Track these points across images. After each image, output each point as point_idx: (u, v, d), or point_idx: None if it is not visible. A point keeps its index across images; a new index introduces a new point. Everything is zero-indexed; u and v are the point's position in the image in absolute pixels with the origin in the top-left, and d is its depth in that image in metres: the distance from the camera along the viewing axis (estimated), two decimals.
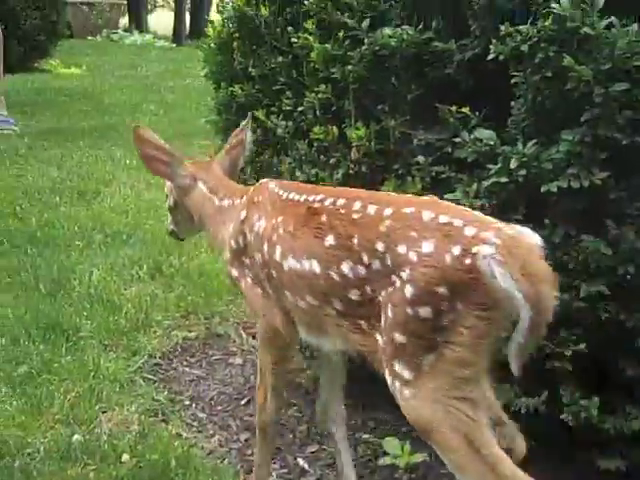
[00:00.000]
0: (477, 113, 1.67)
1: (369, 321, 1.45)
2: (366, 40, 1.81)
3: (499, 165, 1.60)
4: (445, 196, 1.71)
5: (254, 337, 2.85)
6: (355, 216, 1.45)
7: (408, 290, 1.33)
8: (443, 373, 1.33)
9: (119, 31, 17.62)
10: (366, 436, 2.18)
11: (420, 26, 1.74)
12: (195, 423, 2.31)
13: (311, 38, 1.92)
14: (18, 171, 4.89)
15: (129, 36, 16.96)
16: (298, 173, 2.00)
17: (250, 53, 2.15)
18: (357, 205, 1.47)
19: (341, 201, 1.51)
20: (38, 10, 9.80)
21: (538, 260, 1.28)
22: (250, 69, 2.14)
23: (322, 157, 1.98)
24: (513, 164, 1.57)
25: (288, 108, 2.05)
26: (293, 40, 1.99)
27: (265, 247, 1.64)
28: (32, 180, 4.68)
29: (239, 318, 2.97)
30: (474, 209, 1.64)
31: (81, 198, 4.37)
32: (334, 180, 1.92)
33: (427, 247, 1.33)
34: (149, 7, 24.82)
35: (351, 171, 1.91)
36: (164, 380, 2.55)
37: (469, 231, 1.32)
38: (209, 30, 2.26)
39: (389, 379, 1.41)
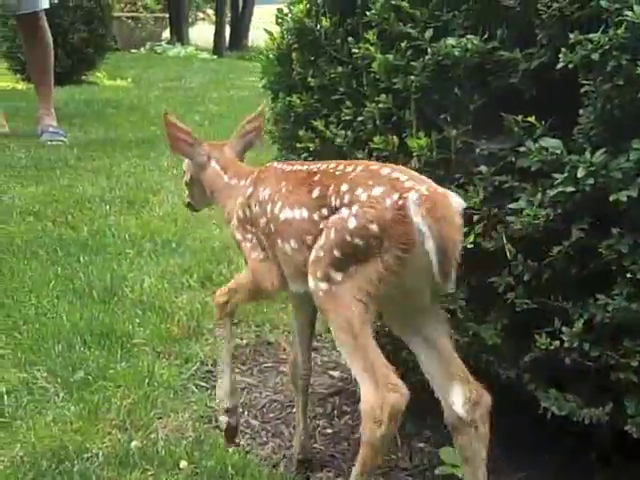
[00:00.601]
0: (543, 122, 1.66)
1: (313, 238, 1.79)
2: (429, 50, 1.81)
3: (565, 174, 1.58)
4: (509, 206, 1.71)
5: None
6: (337, 172, 1.78)
7: (351, 222, 1.66)
8: (354, 285, 1.67)
9: (162, 44, 17.87)
10: (421, 445, 2.17)
11: (485, 35, 1.73)
12: (248, 430, 2.32)
13: (372, 49, 1.93)
14: (68, 181, 4.97)
15: (172, 48, 17.21)
16: None
17: (309, 64, 2.16)
18: (341, 166, 1.79)
19: (333, 164, 1.83)
20: (86, 24, 10.01)
21: (453, 212, 1.59)
22: (309, 79, 2.15)
23: None
24: (580, 173, 1.55)
25: (347, 118, 2.05)
26: (354, 51, 1.99)
27: (269, 207, 1.93)
28: (82, 190, 4.75)
29: (289, 326, 2.97)
30: (538, 219, 1.64)
31: (130, 207, 4.43)
32: None
33: (376, 192, 1.65)
34: (190, 20, 25.15)
35: None
36: (216, 387, 2.57)
37: (408, 183, 1.64)
38: (267, 41, 2.28)
39: (311, 278, 1.74)
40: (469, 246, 1.75)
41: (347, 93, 2.06)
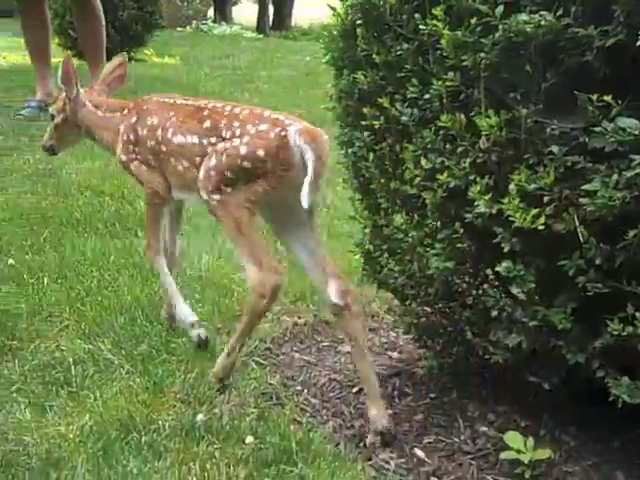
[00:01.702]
0: (619, 102, 1.63)
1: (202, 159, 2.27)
2: (500, 27, 1.78)
3: None
4: (582, 187, 1.68)
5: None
6: (225, 112, 2.28)
7: (243, 149, 2.16)
8: (241, 196, 2.18)
9: (208, 22, 17.89)
10: (485, 429, 2.17)
11: (559, 12, 1.69)
12: (309, 408, 2.34)
13: (440, 25, 1.90)
14: None
15: (218, 27, 17.21)
16: (423, 161, 1.99)
17: (374, 40, 2.14)
18: (228, 107, 2.31)
19: (219, 104, 2.35)
20: (135, 1, 10.06)
21: (324, 140, 2.14)
22: (374, 56, 2.12)
23: (448, 145, 1.96)
24: None
25: (413, 96, 2.03)
26: (420, 27, 1.96)
27: (159, 132, 2.42)
28: None
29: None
30: (614, 201, 1.61)
31: None
32: (461, 169, 1.91)
33: (262, 127, 2.17)
34: None
35: (479, 160, 1.89)
36: (276, 365, 2.60)
37: (287, 121, 2.18)
38: (332, 18, 2.26)
39: (203, 192, 2.24)
40: (540, 228, 1.73)
41: (413, 70, 2.03)
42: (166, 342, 2.59)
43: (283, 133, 2.13)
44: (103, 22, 6.56)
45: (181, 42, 12.77)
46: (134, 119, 2.54)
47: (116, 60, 2.89)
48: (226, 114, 2.27)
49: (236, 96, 7.44)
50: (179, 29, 16.64)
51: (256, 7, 23.29)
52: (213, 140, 2.24)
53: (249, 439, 2.07)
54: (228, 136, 2.21)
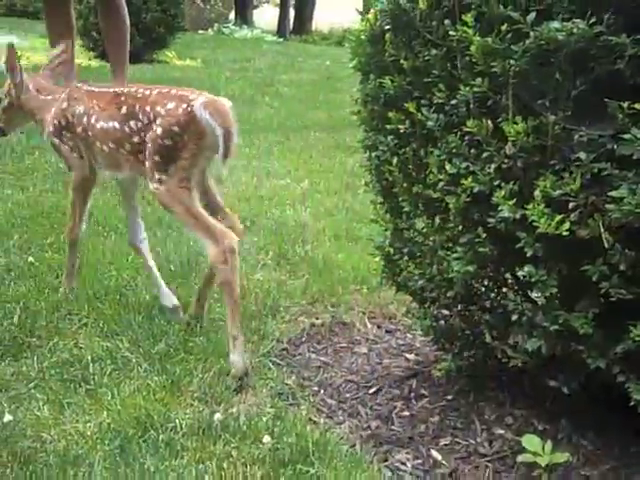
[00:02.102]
0: None
1: (143, 155, 2.47)
2: (531, 34, 1.77)
3: None
4: (609, 193, 1.67)
5: (379, 327, 2.88)
6: (138, 95, 2.50)
7: (159, 130, 2.40)
8: (177, 175, 2.41)
9: (229, 25, 17.98)
10: (502, 432, 2.16)
11: (592, 20, 1.69)
12: (325, 409, 2.34)
13: (470, 31, 1.90)
14: None
15: (239, 30, 17.30)
16: (448, 166, 1.99)
17: (403, 45, 2.14)
18: (141, 90, 2.52)
19: (133, 88, 2.56)
20: (158, 4, 10.14)
21: (227, 109, 2.37)
22: (402, 61, 2.13)
23: (474, 151, 1.96)
24: None
25: (440, 101, 2.03)
26: (450, 33, 1.96)
27: (85, 119, 2.68)
28: None
29: (364, 307, 2.99)
30: None
31: None
32: (486, 174, 1.91)
33: (170, 105, 2.40)
34: (255, 2, 25.25)
35: (504, 165, 1.89)
36: (292, 365, 2.60)
37: (192, 96, 2.39)
38: (361, 23, 2.27)
39: (150, 183, 2.47)
40: (564, 233, 1.73)
41: (440, 76, 2.03)
42: (184, 341, 2.59)
43: (189, 108, 2.35)
44: (127, 22, 6.58)
45: (203, 45, 12.85)
46: (65, 105, 2.77)
47: (59, 47, 3.12)
48: (139, 97, 2.49)
49: (256, 99, 7.49)
50: (201, 32, 16.75)
51: (277, 11, 23.37)
52: (132, 124, 2.49)
53: (266, 439, 2.07)
54: (146, 121, 2.44)
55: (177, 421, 2.15)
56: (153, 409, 2.20)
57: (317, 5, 24.03)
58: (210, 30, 17.05)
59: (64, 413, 2.21)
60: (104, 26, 6.87)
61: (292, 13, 23.88)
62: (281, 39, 17.70)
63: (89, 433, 2.12)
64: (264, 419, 2.19)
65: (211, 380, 2.37)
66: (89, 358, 2.49)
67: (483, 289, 2.26)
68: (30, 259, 3.28)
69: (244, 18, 20.43)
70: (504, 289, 2.21)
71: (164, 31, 10.19)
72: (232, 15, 21.37)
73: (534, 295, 2.00)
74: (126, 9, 6.51)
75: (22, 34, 11.50)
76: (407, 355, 2.69)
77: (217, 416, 2.17)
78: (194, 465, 1.95)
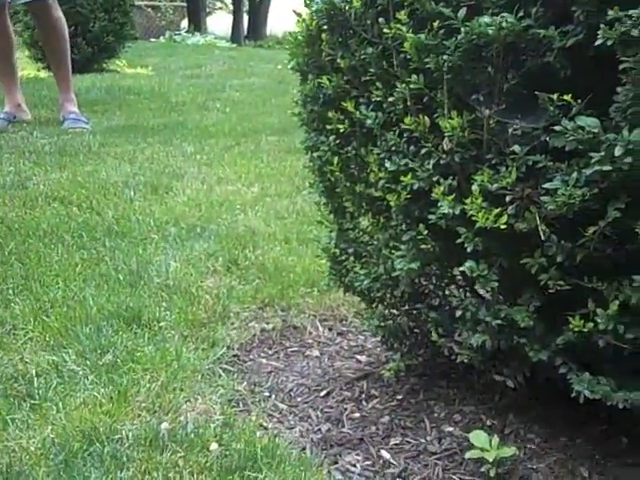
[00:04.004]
0: (578, 101, 1.63)
1: None
2: (462, 29, 1.78)
3: (602, 153, 1.56)
4: (543, 185, 1.68)
5: (330, 329, 2.87)
6: None
7: None
8: None
9: (181, 32, 17.88)
10: (451, 429, 2.15)
11: (520, 13, 1.70)
12: (276, 414, 2.31)
13: (404, 29, 1.90)
14: (92, 167, 4.99)
15: (191, 37, 17.20)
16: (387, 164, 1.98)
17: (339, 45, 2.13)
18: None
19: None
20: (106, 12, 10.04)
21: None
22: (338, 61, 2.12)
23: (412, 148, 1.96)
24: (618, 151, 1.52)
25: (378, 99, 2.03)
26: (385, 31, 1.96)
27: None
28: (106, 175, 4.77)
29: (315, 310, 2.97)
30: (573, 199, 1.62)
31: (154, 192, 4.44)
32: (425, 171, 1.91)
33: None
34: (208, 10, 25.15)
35: (442, 161, 1.89)
36: (243, 371, 2.57)
37: None
38: (296, 23, 2.26)
39: None
40: (502, 227, 1.73)
41: (377, 74, 2.03)
42: (132, 351, 2.55)
43: None
44: (66, 35, 6.50)
45: (154, 53, 12.75)
46: None
47: None
48: None
49: (207, 105, 7.44)
50: (153, 40, 16.61)
51: (231, 17, 23.31)
52: None
53: (213, 446, 2.03)
54: None
55: (123, 432, 2.10)
56: (99, 421, 2.15)
57: (271, 10, 24.04)
58: (162, 38, 16.90)
59: (7, 429, 2.15)
60: (43, 40, 6.82)
61: (246, 19, 23.85)
62: (234, 45, 17.63)
63: (33, 449, 2.06)
64: (212, 426, 2.15)
65: (159, 390, 2.33)
66: (34, 372, 2.43)
67: (431, 287, 2.27)
68: None
69: (197, 25, 20.31)
70: (451, 286, 2.21)
71: (113, 40, 10.09)
72: (185, 23, 21.24)
73: (481, 290, 2.01)
74: (64, 21, 6.43)
75: None
76: (359, 357, 2.68)
77: (164, 425, 2.14)
78: (139, 476, 1.91)
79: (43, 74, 9.64)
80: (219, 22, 25.53)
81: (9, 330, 2.74)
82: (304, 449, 2.12)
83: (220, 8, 30.30)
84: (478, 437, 1.98)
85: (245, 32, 22.71)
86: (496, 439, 1.95)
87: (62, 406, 2.24)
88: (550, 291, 1.75)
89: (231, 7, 24.63)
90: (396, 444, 2.14)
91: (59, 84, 6.55)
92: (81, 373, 2.44)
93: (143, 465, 1.96)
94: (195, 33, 18.25)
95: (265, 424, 2.24)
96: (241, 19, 22.92)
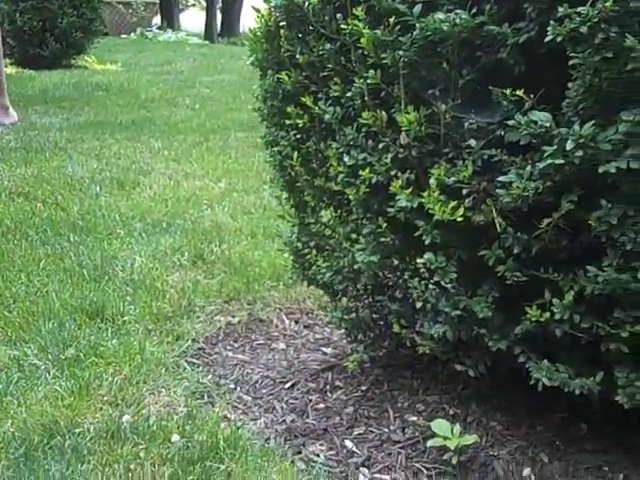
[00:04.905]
0: (531, 96, 1.67)
1: None
2: (418, 25, 1.80)
3: (554, 147, 1.59)
4: (498, 179, 1.72)
5: (297, 322, 2.89)
6: None
7: None
8: None
9: (153, 29, 17.74)
10: (414, 418, 2.19)
11: (473, 10, 1.73)
12: (241, 406, 2.33)
13: (360, 25, 1.92)
14: (58, 163, 4.96)
15: (163, 34, 17.08)
16: (346, 158, 2.01)
17: (297, 40, 2.15)
18: None
19: None
20: (74, 8, 9.94)
21: None
22: (297, 56, 2.13)
23: (370, 142, 1.98)
24: (569, 145, 1.56)
25: (336, 94, 2.05)
26: (342, 27, 1.98)
27: None
28: (72, 171, 4.75)
29: (281, 303, 2.99)
30: (527, 191, 1.65)
31: (121, 188, 4.43)
32: (383, 165, 1.93)
33: None
34: (180, 6, 24.99)
35: (400, 155, 1.92)
36: (208, 364, 2.58)
37: None
38: (256, 19, 2.27)
39: None
40: (459, 219, 1.76)
41: (335, 69, 2.05)
42: (95, 345, 2.55)
43: None
44: None
45: (124, 49, 12.66)
46: None
47: None
48: None
49: (177, 101, 7.41)
50: (124, 36, 16.47)
51: (204, 14, 23.19)
52: None
53: (175, 438, 2.05)
54: None
55: (85, 425, 2.11)
56: (60, 415, 2.15)
57: (245, 7, 23.94)
58: (133, 34, 16.77)
59: None
60: None
61: (219, 16, 23.73)
62: (206, 42, 17.54)
63: None
64: (175, 419, 2.16)
65: (122, 383, 2.34)
66: None
67: (393, 279, 2.29)
68: None
69: (170, 22, 20.17)
70: (415, 278, 2.24)
71: (82, 36, 10.00)
72: (157, 19, 21.07)
73: (442, 282, 2.04)
74: None
75: None
76: (324, 349, 2.70)
77: (126, 418, 2.14)
78: (100, 469, 1.92)
79: (10, 70, 9.52)
80: (192, 19, 25.39)
81: None
82: (268, 440, 2.13)
83: (193, 5, 30.13)
84: (440, 426, 2.02)
85: (218, 29, 22.60)
86: (458, 427, 1.99)
87: (23, 400, 2.24)
88: (508, 282, 1.78)
89: (204, 4, 24.51)
90: (360, 434, 2.16)
91: None
92: (43, 367, 2.43)
93: (104, 457, 1.97)
94: (167, 30, 18.13)
95: (229, 416, 2.25)
96: (214, 16, 22.78)
